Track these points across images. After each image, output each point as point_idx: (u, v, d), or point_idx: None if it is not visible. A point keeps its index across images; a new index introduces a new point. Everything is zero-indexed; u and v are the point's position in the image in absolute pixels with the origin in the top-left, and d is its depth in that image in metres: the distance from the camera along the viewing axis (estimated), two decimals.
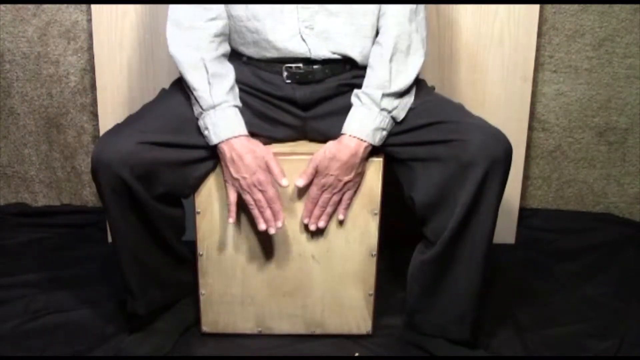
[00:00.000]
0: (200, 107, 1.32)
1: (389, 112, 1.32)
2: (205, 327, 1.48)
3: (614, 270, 1.77)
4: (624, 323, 1.55)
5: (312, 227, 1.37)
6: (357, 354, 1.43)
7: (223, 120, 1.31)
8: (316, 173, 1.33)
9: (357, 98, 1.34)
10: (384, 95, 1.31)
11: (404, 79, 1.34)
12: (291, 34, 1.34)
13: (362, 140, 1.31)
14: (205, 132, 1.32)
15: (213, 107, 1.31)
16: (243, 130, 1.32)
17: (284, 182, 1.31)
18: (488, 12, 1.75)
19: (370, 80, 1.34)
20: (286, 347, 1.45)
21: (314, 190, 1.35)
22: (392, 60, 1.33)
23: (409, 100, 1.36)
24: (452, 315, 1.38)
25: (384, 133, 1.33)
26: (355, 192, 1.37)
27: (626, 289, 1.69)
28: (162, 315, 1.45)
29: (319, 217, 1.37)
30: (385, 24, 1.35)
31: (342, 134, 1.33)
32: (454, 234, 1.30)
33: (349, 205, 1.38)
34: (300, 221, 1.39)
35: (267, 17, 1.34)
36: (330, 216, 1.38)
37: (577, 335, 1.50)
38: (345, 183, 1.34)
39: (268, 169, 1.31)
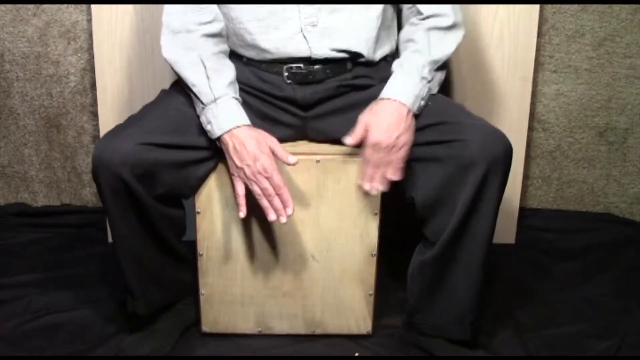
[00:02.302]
0: (201, 102, 1.31)
1: (429, 81, 1.32)
2: (205, 327, 1.48)
3: (614, 270, 1.77)
4: (624, 323, 1.55)
5: (367, 187, 1.32)
6: (357, 354, 1.43)
7: (225, 111, 1.29)
8: (366, 133, 1.28)
9: (399, 65, 1.33)
10: (425, 63, 1.31)
11: (444, 49, 1.34)
12: (292, 32, 1.34)
13: (403, 104, 1.29)
14: (208, 127, 1.30)
15: (214, 100, 1.30)
16: (245, 120, 1.31)
17: (291, 159, 1.28)
18: (488, 12, 1.75)
19: (410, 48, 1.34)
20: (286, 347, 1.45)
21: (367, 151, 1.29)
22: (429, 32, 1.34)
23: (442, 76, 1.36)
24: (452, 316, 1.38)
25: (422, 103, 1.31)
26: (407, 154, 1.30)
27: (626, 289, 1.69)
28: (162, 315, 1.45)
29: (372, 178, 1.31)
30: (424, 6, 1.36)
31: (381, 98, 1.30)
32: (453, 234, 1.30)
33: (400, 169, 1.30)
34: (300, 221, 1.39)
35: (268, 17, 1.34)
36: (386, 179, 1.31)
37: (577, 335, 1.51)
38: (398, 137, 1.28)
39: (273, 153, 1.29)
